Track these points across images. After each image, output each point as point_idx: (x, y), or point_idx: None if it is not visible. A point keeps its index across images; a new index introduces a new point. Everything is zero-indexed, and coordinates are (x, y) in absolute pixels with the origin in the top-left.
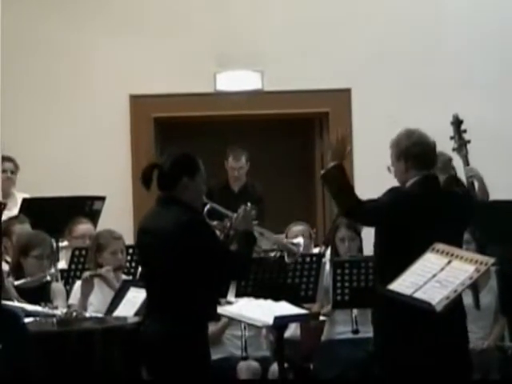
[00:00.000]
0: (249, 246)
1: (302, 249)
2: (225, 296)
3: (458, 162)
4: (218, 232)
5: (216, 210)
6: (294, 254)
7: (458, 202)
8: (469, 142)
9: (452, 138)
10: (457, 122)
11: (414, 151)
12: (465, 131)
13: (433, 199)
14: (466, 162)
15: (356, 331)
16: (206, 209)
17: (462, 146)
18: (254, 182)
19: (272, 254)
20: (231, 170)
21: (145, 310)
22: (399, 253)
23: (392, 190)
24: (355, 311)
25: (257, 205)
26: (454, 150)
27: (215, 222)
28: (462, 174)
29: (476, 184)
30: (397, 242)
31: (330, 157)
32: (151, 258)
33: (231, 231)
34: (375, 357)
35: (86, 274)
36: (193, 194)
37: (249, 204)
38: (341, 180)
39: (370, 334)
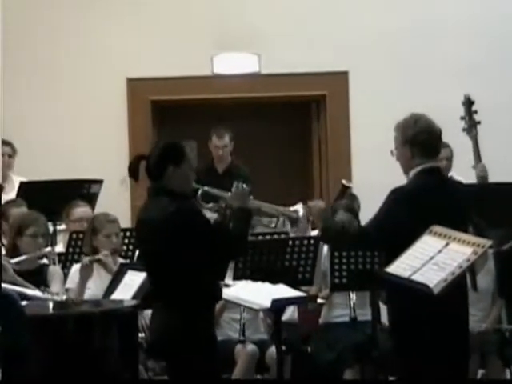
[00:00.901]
0: (244, 222)
1: (301, 214)
2: (222, 279)
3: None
4: (215, 213)
5: (209, 192)
6: (296, 220)
7: (461, 193)
8: (479, 122)
9: (462, 118)
10: (468, 103)
11: (420, 138)
12: (476, 112)
13: (437, 192)
14: (477, 147)
15: (354, 319)
16: (199, 193)
17: (472, 126)
18: (238, 163)
19: (272, 225)
20: (215, 149)
21: (148, 297)
22: (405, 245)
23: (394, 192)
24: (353, 297)
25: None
26: (463, 130)
27: (210, 204)
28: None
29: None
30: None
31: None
32: (149, 248)
33: (227, 211)
34: (374, 339)
35: (85, 260)
36: (180, 182)
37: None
38: (334, 234)
39: (368, 317)
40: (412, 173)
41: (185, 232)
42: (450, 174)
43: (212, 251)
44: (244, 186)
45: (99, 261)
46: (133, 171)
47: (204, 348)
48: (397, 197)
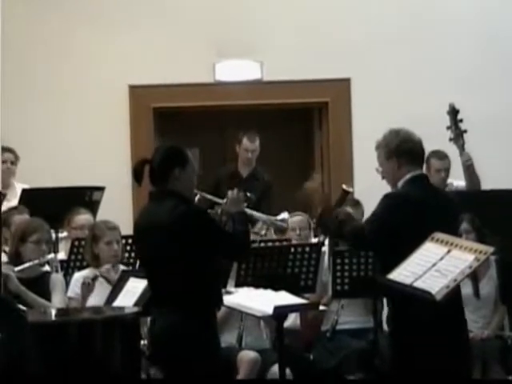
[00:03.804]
0: (244, 223)
1: (288, 223)
2: (225, 286)
3: (455, 152)
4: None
5: (206, 198)
6: (284, 229)
7: (449, 199)
8: (465, 131)
9: (448, 128)
10: (453, 112)
11: (405, 147)
12: (461, 121)
13: (427, 198)
14: (462, 149)
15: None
16: (196, 198)
17: (458, 135)
18: (263, 169)
19: (262, 232)
20: (244, 152)
21: (150, 304)
22: (400, 250)
23: (387, 197)
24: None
25: (264, 192)
26: (450, 139)
27: (208, 211)
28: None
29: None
30: (398, 242)
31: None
32: (151, 254)
33: (223, 217)
34: (376, 346)
35: (87, 278)
36: (185, 185)
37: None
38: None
39: (371, 324)
40: (401, 182)
41: (194, 233)
42: (449, 181)
43: (219, 252)
44: (240, 192)
45: (101, 276)
46: (137, 175)
47: (207, 354)
48: (390, 201)
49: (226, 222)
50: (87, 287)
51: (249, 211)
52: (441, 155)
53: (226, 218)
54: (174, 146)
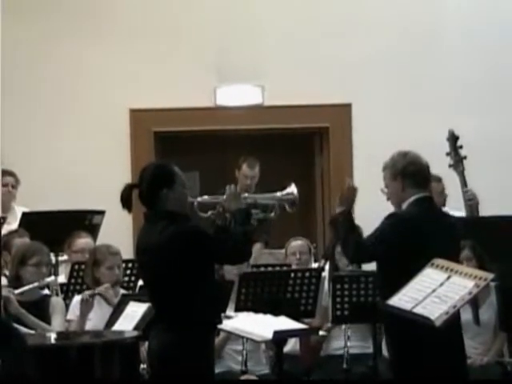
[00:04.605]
0: (244, 223)
1: (297, 194)
2: (224, 311)
3: (454, 179)
4: (215, 218)
5: (205, 201)
6: (293, 201)
7: (453, 222)
8: (465, 157)
9: (448, 154)
10: (453, 138)
11: (411, 170)
12: (461, 147)
13: (431, 220)
14: (464, 180)
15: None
16: (195, 205)
17: (458, 162)
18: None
19: (272, 214)
20: (244, 179)
21: (149, 328)
22: (401, 271)
23: (391, 217)
24: (347, 336)
25: (265, 217)
26: (450, 166)
27: (210, 212)
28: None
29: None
30: (398, 262)
31: (337, 202)
32: (149, 273)
33: (226, 214)
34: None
35: (86, 294)
36: (175, 203)
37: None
38: (347, 227)
39: (370, 350)
40: (406, 204)
41: (186, 252)
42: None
43: (219, 260)
44: (236, 187)
45: (100, 294)
46: (125, 201)
47: (200, 371)
48: (393, 222)
49: (230, 220)
50: (86, 304)
51: (252, 198)
52: (434, 178)
53: (230, 216)
54: (159, 164)
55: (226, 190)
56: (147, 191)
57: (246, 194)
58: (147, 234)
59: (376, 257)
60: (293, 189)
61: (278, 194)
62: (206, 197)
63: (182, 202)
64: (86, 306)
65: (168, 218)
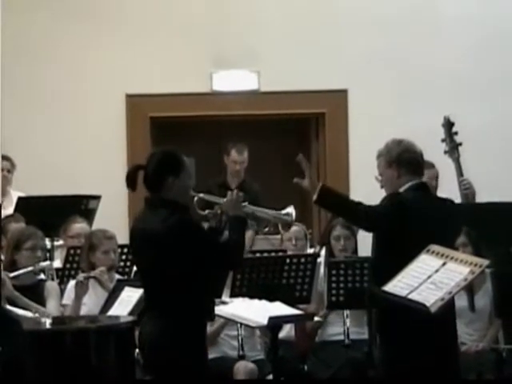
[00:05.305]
0: (239, 231)
1: (294, 217)
2: (219, 296)
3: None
4: (211, 219)
5: (205, 199)
6: (289, 223)
7: (449, 208)
8: (460, 144)
9: (443, 140)
10: (448, 124)
11: (406, 157)
12: (456, 133)
13: (427, 205)
14: (459, 167)
15: (348, 345)
16: (195, 200)
17: (453, 148)
18: (251, 181)
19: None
20: (232, 164)
21: (142, 308)
22: (397, 256)
23: (390, 196)
24: (347, 322)
25: (253, 203)
26: (445, 152)
27: (207, 211)
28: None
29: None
30: (395, 245)
31: (311, 187)
32: (144, 260)
33: (223, 217)
34: (370, 358)
35: (80, 276)
36: (179, 193)
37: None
38: (333, 198)
39: (365, 336)
40: (401, 190)
41: (184, 243)
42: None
43: (210, 263)
44: (239, 193)
45: (95, 277)
46: (130, 180)
47: (192, 358)
48: (392, 202)
49: (225, 223)
50: (81, 286)
51: (251, 208)
52: (427, 164)
53: (226, 219)
54: (169, 151)
55: (228, 195)
56: (153, 176)
57: (246, 203)
58: (146, 220)
59: (373, 224)
60: (291, 210)
61: (277, 212)
62: (207, 195)
63: (185, 193)
64: (80, 289)
65: (169, 206)
